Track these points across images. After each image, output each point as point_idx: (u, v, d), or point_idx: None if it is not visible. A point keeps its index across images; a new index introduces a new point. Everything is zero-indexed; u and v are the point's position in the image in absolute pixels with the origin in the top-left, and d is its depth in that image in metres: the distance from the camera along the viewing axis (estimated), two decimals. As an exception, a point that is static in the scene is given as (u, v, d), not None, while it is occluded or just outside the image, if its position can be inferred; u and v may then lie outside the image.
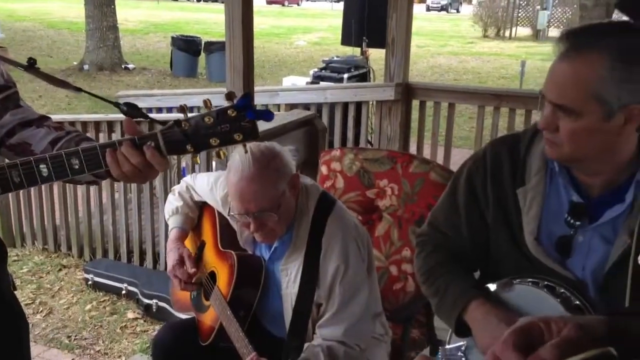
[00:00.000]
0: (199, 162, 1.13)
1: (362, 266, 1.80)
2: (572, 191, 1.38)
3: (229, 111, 1.08)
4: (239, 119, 1.09)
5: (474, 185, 1.50)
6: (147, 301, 3.58)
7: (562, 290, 1.36)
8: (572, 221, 1.38)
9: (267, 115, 1.11)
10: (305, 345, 1.76)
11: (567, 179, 1.39)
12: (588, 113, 1.24)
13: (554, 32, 20.10)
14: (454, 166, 2.38)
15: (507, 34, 20.32)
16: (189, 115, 1.10)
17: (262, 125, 1.14)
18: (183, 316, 2.20)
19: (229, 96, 1.10)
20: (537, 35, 19.93)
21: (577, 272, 1.38)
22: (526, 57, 13.50)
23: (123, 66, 13.34)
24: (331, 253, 1.74)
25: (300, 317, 1.77)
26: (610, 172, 1.34)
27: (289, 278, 1.80)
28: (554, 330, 0.67)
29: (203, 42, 12.87)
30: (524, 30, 20.92)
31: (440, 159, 4.30)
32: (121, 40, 13.81)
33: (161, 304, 3.52)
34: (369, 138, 4.84)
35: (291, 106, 4.38)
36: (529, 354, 0.64)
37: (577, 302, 1.34)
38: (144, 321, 3.56)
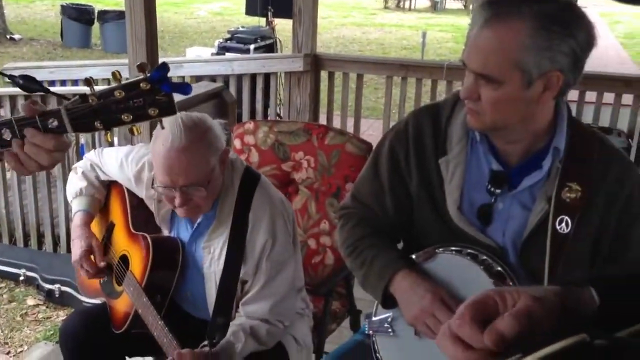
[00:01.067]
0: (109, 139, 1.03)
1: (289, 240, 1.76)
2: (492, 160, 1.40)
3: (142, 84, 0.98)
4: (154, 93, 0.99)
5: (397, 156, 1.48)
6: (48, 286, 3.39)
7: (485, 258, 1.38)
8: (492, 189, 1.40)
9: (184, 88, 1.02)
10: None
11: (488, 148, 1.41)
12: (509, 81, 1.24)
13: (451, 4, 20.74)
14: (365, 136, 2.38)
15: (406, 5, 20.69)
16: (97, 88, 0.99)
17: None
18: (93, 302, 2.06)
19: (142, 67, 0.99)
20: (435, 6, 20.46)
21: (497, 239, 1.41)
22: (426, 28, 13.83)
23: (8, 36, 12.34)
24: (259, 228, 1.68)
25: (225, 294, 1.70)
26: (529, 139, 1.37)
27: (212, 255, 1.72)
28: (509, 303, 0.66)
29: (96, 11, 12.13)
30: (422, 2, 21.41)
31: (349, 130, 4.31)
32: (4, 9, 12.75)
33: (64, 288, 3.34)
34: (278, 110, 4.77)
35: (197, 78, 4.22)
36: (485, 327, 0.63)
37: (499, 268, 1.37)
38: (47, 307, 3.37)
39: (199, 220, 1.74)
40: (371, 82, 8.98)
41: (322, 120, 4.52)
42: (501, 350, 0.61)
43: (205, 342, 1.57)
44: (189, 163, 1.57)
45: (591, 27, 1.24)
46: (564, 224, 1.33)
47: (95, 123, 0.99)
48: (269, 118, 4.51)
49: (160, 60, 4.45)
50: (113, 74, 0.99)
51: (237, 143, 2.39)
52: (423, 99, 4.19)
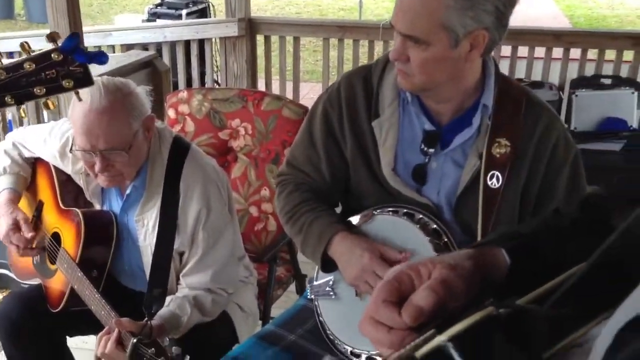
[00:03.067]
0: (24, 115, 0.97)
1: (224, 209, 1.74)
2: (424, 120, 1.41)
3: (53, 55, 0.93)
4: (67, 63, 0.94)
5: (330, 121, 1.48)
6: (-18, 270, 3.24)
7: (421, 216, 1.40)
8: (426, 149, 1.41)
9: (99, 57, 0.98)
10: (169, 297, 1.67)
11: (419, 108, 1.41)
12: (436, 42, 1.25)
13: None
14: (304, 101, 2.36)
15: (343, -35, 20.48)
16: (4, 61, 0.94)
17: (95, 69, 1.00)
18: (30, 283, 2.00)
19: (52, 37, 0.94)
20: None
21: (432, 198, 1.43)
22: (363, -12, 13.72)
23: None
24: (191, 198, 1.65)
25: (160, 267, 1.68)
26: (458, 98, 1.38)
27: (146, 228, 1.68)
28: (424, 275, 0.64)
29: (18, -22, 11.48)
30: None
31: (289, 94, 4.27)
32: None
33: (1, 270, 3.21)
34: (216, 77, 4.66)
35: (127, 47, 4.05)
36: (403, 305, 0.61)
37: (435, 226, 1.39)
38: (-18, 291, 3.24)
39: (128, 191, 1.70)
40: (310, 45, 8.89)
41: (261, 85, 4.46)
42: (423, 323, 0.59)
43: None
44: (108, 125, 1.52)
45: None
46: (494, 179, 1.36)
47: (6, 98, 0.94)
48: (206, 85, 4.41)
49: (87, 29, 4.27)
50: (21, 45, 0.94)
51: (171, 113, 2.32)
52: (361, 60, 4.18)
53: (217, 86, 4.55)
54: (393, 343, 0.60)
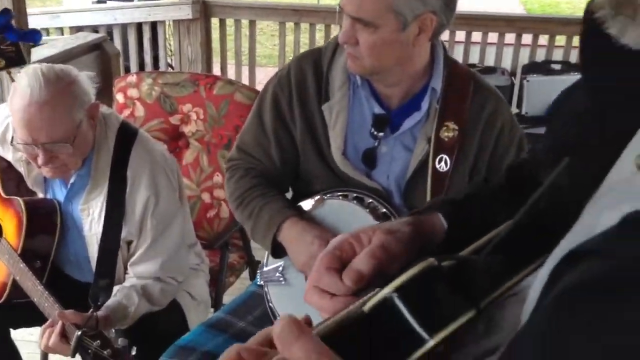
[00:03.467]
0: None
1: (174, 196, 1.70)
2: (374, 103, 1.40)
3: (-19, 33, 0.88)
4: (-3, 43, 0.89)
5: (280, 105, 1.45)
6: None
7: (370, 201, 1.40)
8: (375, 133, 1.41)
9: (33, 35, 0.94)
10: (116, 287, 1.63)
11: (369, 92, 1.41)
12: (384, 25, 1.24)
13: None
14: (260, 85, 2.31)
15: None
16: None
17: (41, 51, 0.95)
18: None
19: (-20, 15, 0.89)
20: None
21: (382, 182, 1.43)
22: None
23: None
24: (139, 185, 1.61)
25: (107, 257, 1.63)
26: (407, 82, 1.38)
27: (92, 217, 1.63)
28: (364, 242, 0.65)
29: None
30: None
31: (245, 79, 4.22)
32: None
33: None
34: (170, 61, 4.57)
35: (77, 29, 3.93)
36: None
37: (384, 210, 1.39)
38: None
39: (72, 179, 1.64)
40: (268, 29, 8.81)
41: (217, 70, 4.39)
42: (364, 288, 0.61)
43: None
44: (50, 118, 1.46)
45: None
46: (443, 163, 1.36)
47: None
48: (160, 69, 4.31)
49: (34, 10, 4.12)
50: (-55, 23, 0.88)
51: (119, 97, 2.26)
52: (318, 44, 4.15)
53: (171, 70, 4.46)
54: (337, 310, 0.60)
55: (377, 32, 1.25)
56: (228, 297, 2.04)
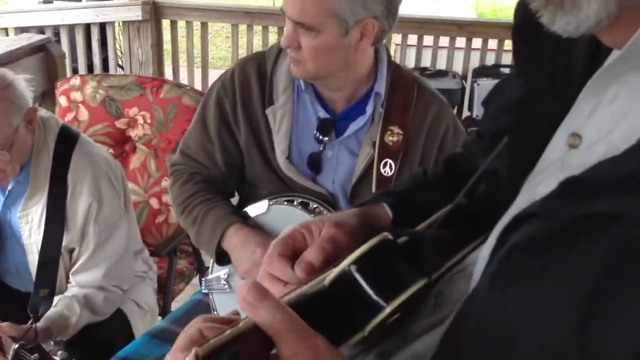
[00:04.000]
0: None
1: (118, 202, 1.66)
2: (318, 107, 1.40)
3: None
4: None
5: (224, 108, 1.43)
6: None
7: (316, 206, 1.39)
8: (320, 137, 1.40)
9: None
10: (58, 297, 1.58)
11: (314, 96, 1.40)
12: (327, 29, 1.24)
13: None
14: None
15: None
16: None
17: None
18: None
19: None
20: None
21: (328, 186, 1.42)
22: (277, -26, 13.60)
23: None
24: (80, 191, 1.56)
25: (47, 265, 1.58)
26: (351, 86, 1.38)
27: (31, 225, 1.58)
28: (315, 233, 0.69)
29: None
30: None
31: (198, 81, 4.16)
32: None
33: None
34: (120, 62, 4.47)
35: (22, 30, 3.80)
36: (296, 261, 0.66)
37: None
38: None
39: (9, 186, 1.58)
40: (223, 31, 8.72)
41: (169, 72, 4.31)
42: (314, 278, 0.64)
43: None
44: None
45: None
46: (387, 167, 1.36)
47: None
48: (109, 71, 4.22)
49: (-25, 10, 3.96)
50: None
51: (62, 100, 2.20)
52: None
53: (121, 72, 4.37)
54: None
55: (319, 37, 1.25)
56: (177, 305, 2.00)
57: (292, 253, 0.67)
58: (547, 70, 0.57)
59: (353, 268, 0.54)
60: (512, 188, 0.58)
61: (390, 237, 0.58)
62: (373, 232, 0.70)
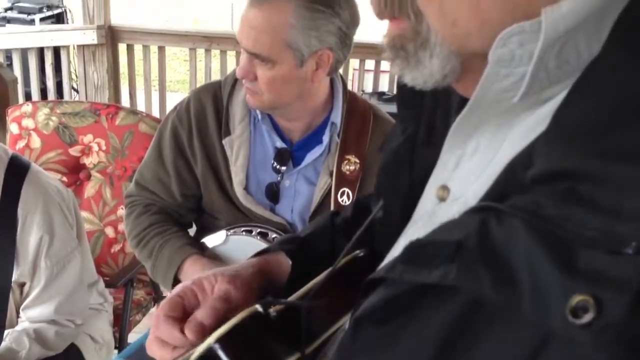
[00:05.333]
0: None
1: (71, 233, 1.61)
2: (275, 137, 1.40)
3: None
4: None
5: (180, 138, 1.42)
6: None
7: (274, 236, 1.39)
8: (277, 167, 1.40)
9: None
10: (7, 332, 1.52)
11: (270, 126, 1.40)
12: (282, 61, 1.24)
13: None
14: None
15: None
16: None
17: None
18: None
19: None
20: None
21: (286, 216, 1.42)
22: (236, -3, 13.66)
23: None
24: (31, 224, 1.51)
25: None
26: (308, 116, 1.38)
27: None
28: (207, 289, 0.66)
29: None
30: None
31: (155, 105, 4.12)
32: None
33: None
34: (75, 86, 4.39)
35: (-28, 53, 3.72)
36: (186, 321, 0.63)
37: (288, 245, 1.38)
38: None
39: None
40: (181, 54, 8.68)
41: (125, 95, 4.26)
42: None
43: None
44: None
45: (355, 5, 1.27)
46: (345, 197, 1.37)
47: None
48: (64, 95, 4.14)
49: None
50: None
51: (14, 128, 2.14)
52: (230, 70, 4.11)
53: (76, 95, 4.29)
54: None
55: (275, 68, 1.25)
56: (135, 336, 1.96)
57: (183, 313, 0.64)
58: (426, 119, 0.56)
59: (217, 346, 0.51)
60: (388, 242, 0.55)
61: (261, 309, 0.55)
62: (273, 281, 0.71)
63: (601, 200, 0.29)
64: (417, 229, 0.50)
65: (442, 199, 0.48)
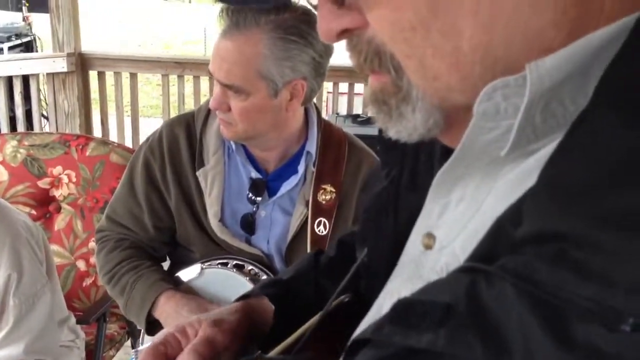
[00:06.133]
0: None
1: (40, 270, 1.56)
2: (250, 168, 1.38)
3: None
4: None
5: (152, 171, 1.39)
6: None
7: (251, 268, 1.36)
8: (253, 197, 1.38)
9: None
10: (-26, 377, 1.47)
11: (244, 156, 1.38)
12: (256, 92, 1.23)
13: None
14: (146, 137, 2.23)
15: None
16: None
17: None
18: None
19: None
20: (217, -1, 20.42)
21: (262, 247, 1.39)
22: (208, 22, 13.71)
23: None
24: None
25: None
26: (282, 146, 1.37)
27: None
28: (190, 335, 0.65)
29: None
30: (204, -6, 21.21)
31: (128, 131, 4.07)
32: None
33: None
34: (45, 113, 4.32)
35: (-63, 83, 3.63)
36: None
37: (265, 277, 1.36)
38: None
39: None
40: (154, 79, 8.64)
41: (97, 123, 4.20)
42: None
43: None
44: None
45: None
46: (322, 226, 1.35)
47: None
48: (33, 123, 4.07)
49: None
50: None
51: (-20, 161, 2.09)
52: (203, 94, 4.09)
53: (46, 123, 4.22)
54: None
55: (249, 99, 1.24)
56: (107, 373, 1.90)
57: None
58: (409, 162, 0.56)
59: None
60: (374, 289, 0.54)
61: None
62: (258, 325, 0.70)
63: (594, 268, 0.28)
64: (403, 280, 0.49)
65: (428, 247, 0.47)
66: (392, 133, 0.44)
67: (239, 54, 1.20)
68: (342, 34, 0.43)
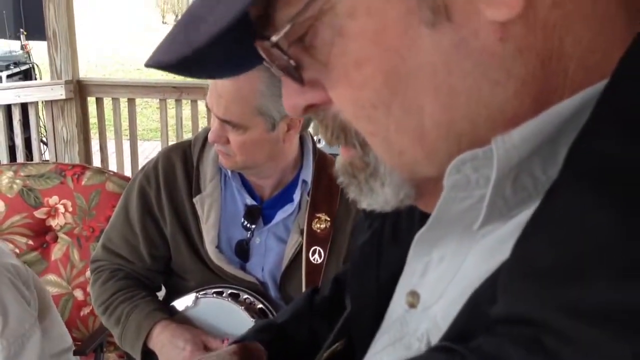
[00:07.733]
0: None
1: (28, 310, 1.54)
2: (246, 195, 1.38)
3: None
4: None
5: (148, 198, 1.39)
6: None
7: (246, 296, 1.35)
8: (248, 224, 1.38)
9: None
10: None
11: (241, 184, 1.39)
12: (254, 126, 1.23)
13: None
14: (146, 161, 2.22)
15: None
16: None
17: None
18: None
19: None
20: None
21: (257, 274, 1.39)
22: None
23: None
24: None
25: None
26: (278, 174, 1.37)
27: None
28: None
29: None
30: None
31: (127, 156, 4.08)
32: None
33: None
34: (44, 139, 4.33)
35: (-64, 113, 3.65)
36: None
37: (260, 306, 1.35)
38: None
39: None
40: (153, 103, 8.67)
41: (96, 148, 4.21)
42: None
43: None
44: None
45: None
46: (317, 255, 1.35)
47: None
48: (33, 151, 4.08)
49: None
50: None
51: (-24, 192, 2.09)
52: (201, 116, 4.11)
53: (46, 149, 4.23)
54: None
55: (247, 133, 1.24)
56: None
57: None
58: (391, 215, 0.55)
59: None
60: (362, 342, 0.53)
61: None
62: None
63: (566, 359, 0.28)
64: (387, 343, 0.48)
65: (412, 305, 0.46)
66: (365, 205, 0.43)
67: (236, 91, 1.20)
68: (308, 109, 0.43)
